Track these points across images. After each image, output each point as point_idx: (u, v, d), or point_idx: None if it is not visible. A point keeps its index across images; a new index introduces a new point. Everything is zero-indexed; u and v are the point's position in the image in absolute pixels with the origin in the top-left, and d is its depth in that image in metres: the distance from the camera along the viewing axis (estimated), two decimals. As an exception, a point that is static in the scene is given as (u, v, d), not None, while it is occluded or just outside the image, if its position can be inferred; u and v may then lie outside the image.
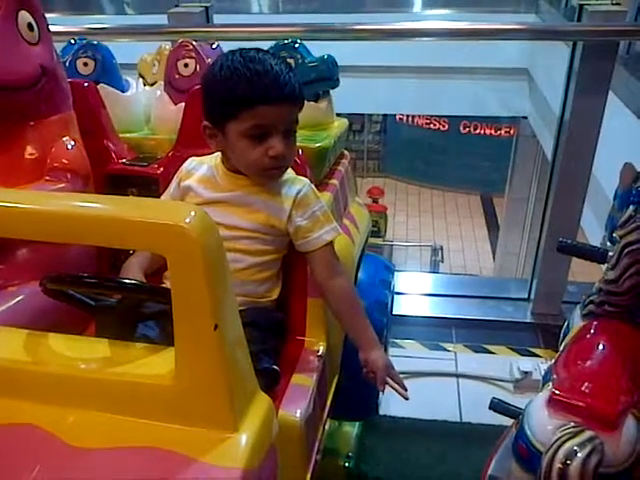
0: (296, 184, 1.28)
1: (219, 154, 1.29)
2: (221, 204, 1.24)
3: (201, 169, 1.30)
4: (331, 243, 1.28)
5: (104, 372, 0.85)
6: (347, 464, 1.83)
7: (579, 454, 1.01)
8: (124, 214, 0.78)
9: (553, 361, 1.37)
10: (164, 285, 1.17)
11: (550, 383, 1.25)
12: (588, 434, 1.05)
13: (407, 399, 1.19)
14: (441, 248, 8.97)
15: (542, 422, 1.15)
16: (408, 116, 11.99)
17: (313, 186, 1.31)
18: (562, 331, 1.59)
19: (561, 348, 1.46)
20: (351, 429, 1.95)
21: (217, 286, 0.80)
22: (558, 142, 2.47)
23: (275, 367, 1.18)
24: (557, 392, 1.15)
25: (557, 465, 1.02)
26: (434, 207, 11.45)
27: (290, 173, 1.29)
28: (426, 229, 10.53)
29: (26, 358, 0.88)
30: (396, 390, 1.20)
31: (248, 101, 1.13)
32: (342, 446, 1.87)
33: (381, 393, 1.74)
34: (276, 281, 1.33)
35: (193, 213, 0.78)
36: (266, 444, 0.86)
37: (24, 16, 1.26)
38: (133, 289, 0.94)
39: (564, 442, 1.05)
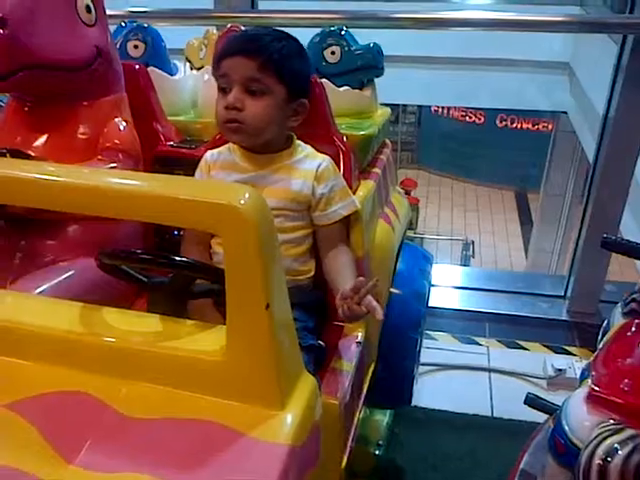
0: (316, 159, 1.31)
1: None
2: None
3: (221, 156, 1.32)
4: (344, 220, 1.31)
5: (156, 346, 0.87)
6: (377, 452, 1.84)
7: (620, 451, 1.00)
8: (182, 194, 0.80)
9: (592, 358, 1.36)
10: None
11: (589, 380, 1.24)
12: (630, 432, 1.03)
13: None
14: (472, 243, 8.89)
15: (580, 418, 1.14)
16: (443, 108, 11.85)
17: (332, 162, 1.33)
18: (601, 329, 1.57)
19: (600, 346, 1.44)
20: (382, 417, 1.96)
21: (269, 266, 0.81)
22: (602, 139, 2.42)
23: (321, 342, 1.20)
24: (596, 388, 1.14)
25: (597, 461, 1.01)
26: (467, 201, 11.33)
27: (309, 149, 1.32)
28: (458, 223, 10.43)
29: (81, 329, 0.90)
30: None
31: (218, 56, 1.21)
32: (373, 434, 1.89)
33: (415, 383, 1.76)
34: (309, 257, 1.34)
35: (247, 195, 0.80)
36: (311, 423, 0.88)
37: (83, -2, 1.29)
38: (186, 267, 0.96)
39: (604, 439, 1.03)
